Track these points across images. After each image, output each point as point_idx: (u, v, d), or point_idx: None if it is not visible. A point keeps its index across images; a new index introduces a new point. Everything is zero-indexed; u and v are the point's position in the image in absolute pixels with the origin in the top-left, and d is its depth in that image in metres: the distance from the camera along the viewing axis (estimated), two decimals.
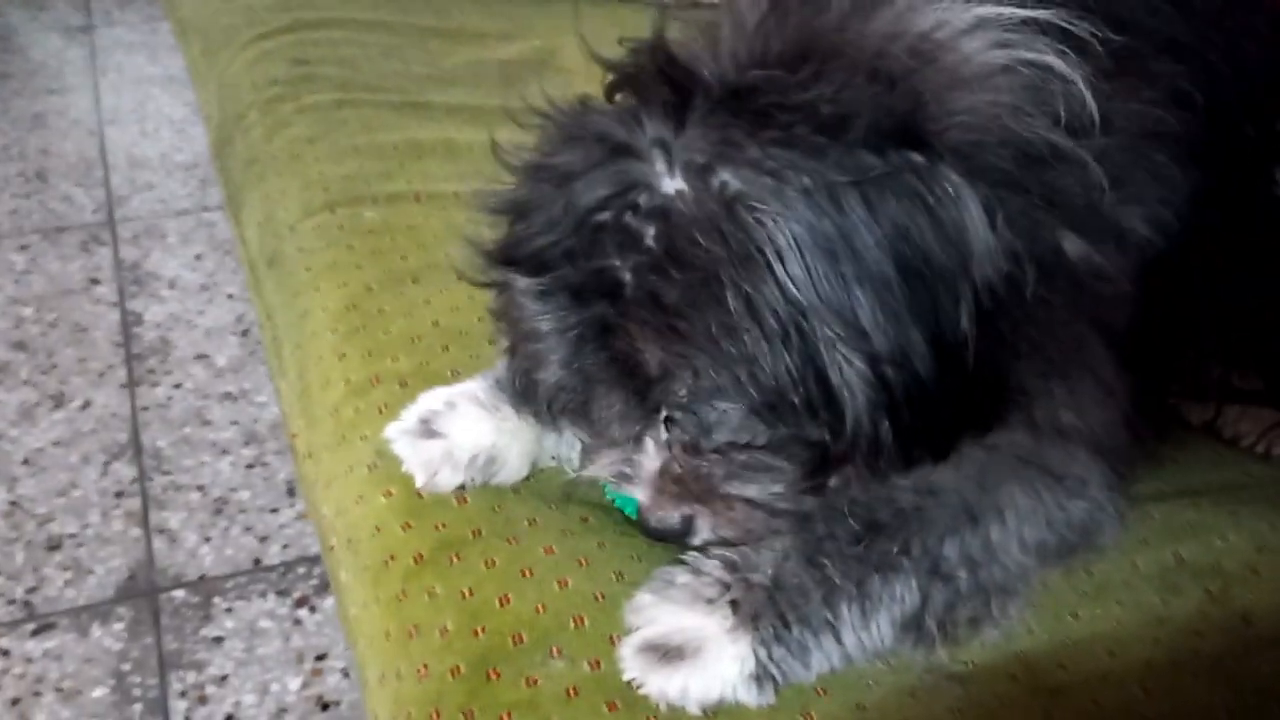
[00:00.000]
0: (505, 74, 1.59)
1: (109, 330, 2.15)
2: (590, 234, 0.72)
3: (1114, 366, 0.81)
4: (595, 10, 1.86)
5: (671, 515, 0.80)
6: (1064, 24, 0.75)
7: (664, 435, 0.78)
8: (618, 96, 0.79)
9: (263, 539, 1.74)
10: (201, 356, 2.10)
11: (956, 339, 0.70)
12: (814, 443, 0.75)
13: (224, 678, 1.53)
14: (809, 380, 0.70)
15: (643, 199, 0.71)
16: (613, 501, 0.89)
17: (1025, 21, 0.75)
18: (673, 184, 0.71)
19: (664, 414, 0.77)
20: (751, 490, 0.78)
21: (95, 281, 2.28)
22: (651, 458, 0.80)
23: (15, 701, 1.47)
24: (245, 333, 2.16)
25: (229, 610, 1.63)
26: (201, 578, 1.67)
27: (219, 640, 1.59)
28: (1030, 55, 0.74)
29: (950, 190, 0.68)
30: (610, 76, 0.79)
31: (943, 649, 0.79)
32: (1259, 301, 0.94)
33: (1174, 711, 0.79)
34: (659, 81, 0.74)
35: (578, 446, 0.92)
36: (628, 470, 0.81)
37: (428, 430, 0.90)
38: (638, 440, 0.80)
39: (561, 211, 0.73)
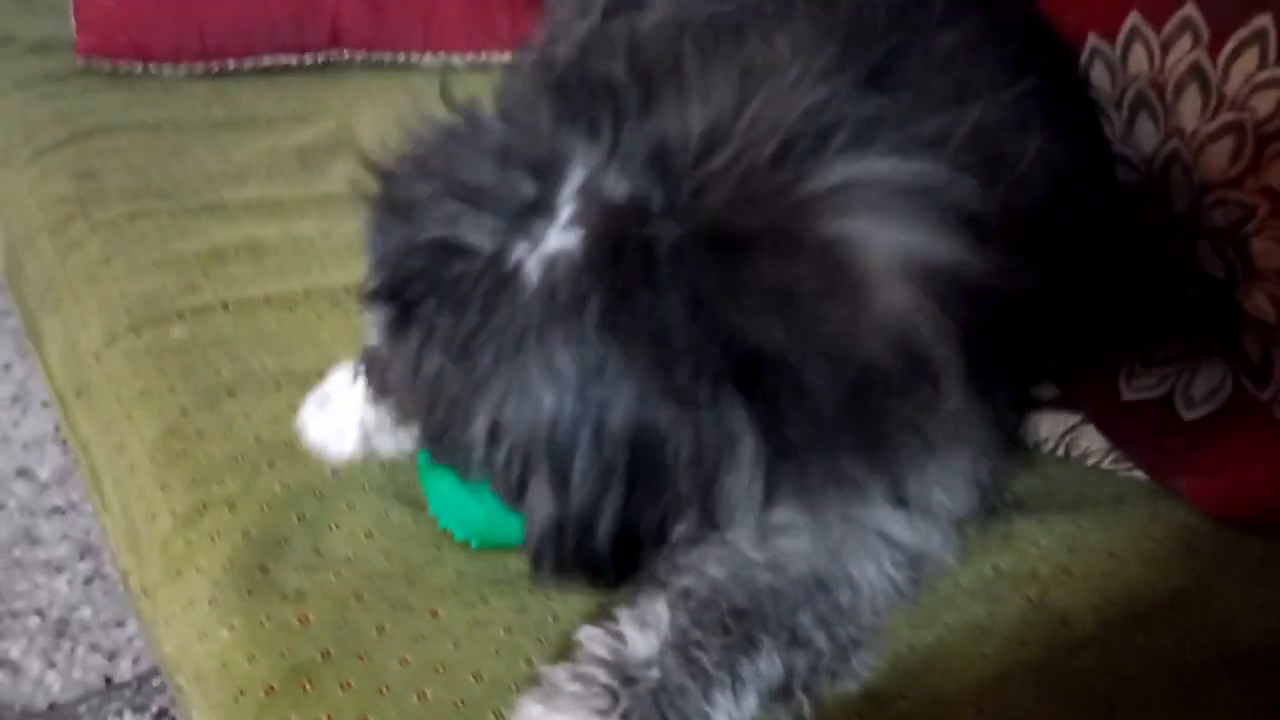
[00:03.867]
0: (302, 161, 1.57)
1: None
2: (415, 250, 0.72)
3: (984, 432, 0.85)
4: (387, 81, 1.87)
5: (372, 380, 0.91)
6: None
7: None
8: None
9: (112, 655, 1.68)
10: (23, 472, 2.01)
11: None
12: None
13: None
14: (511, 479, 0.73)
15: (485, 252, 0.70)
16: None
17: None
18: (528, 256, 0.69)
19: None
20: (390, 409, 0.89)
21: None
22: (375, 338, 0.85)
23: None
24: (66, 441, 2.07)
25: None
26: (51, 706, 1.61)
27: None
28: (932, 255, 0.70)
29: (728, 439, 0.69)
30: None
31: (809, 710, 0.82)
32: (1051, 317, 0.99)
33: None
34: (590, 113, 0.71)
35: None
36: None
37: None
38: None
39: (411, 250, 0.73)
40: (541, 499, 0.72)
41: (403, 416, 0.86)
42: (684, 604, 0.82)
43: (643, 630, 0.82)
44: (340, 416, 1.01)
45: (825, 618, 0.83)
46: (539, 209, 0.69)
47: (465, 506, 0.91)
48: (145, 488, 1.04)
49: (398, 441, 1.00)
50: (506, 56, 1.91)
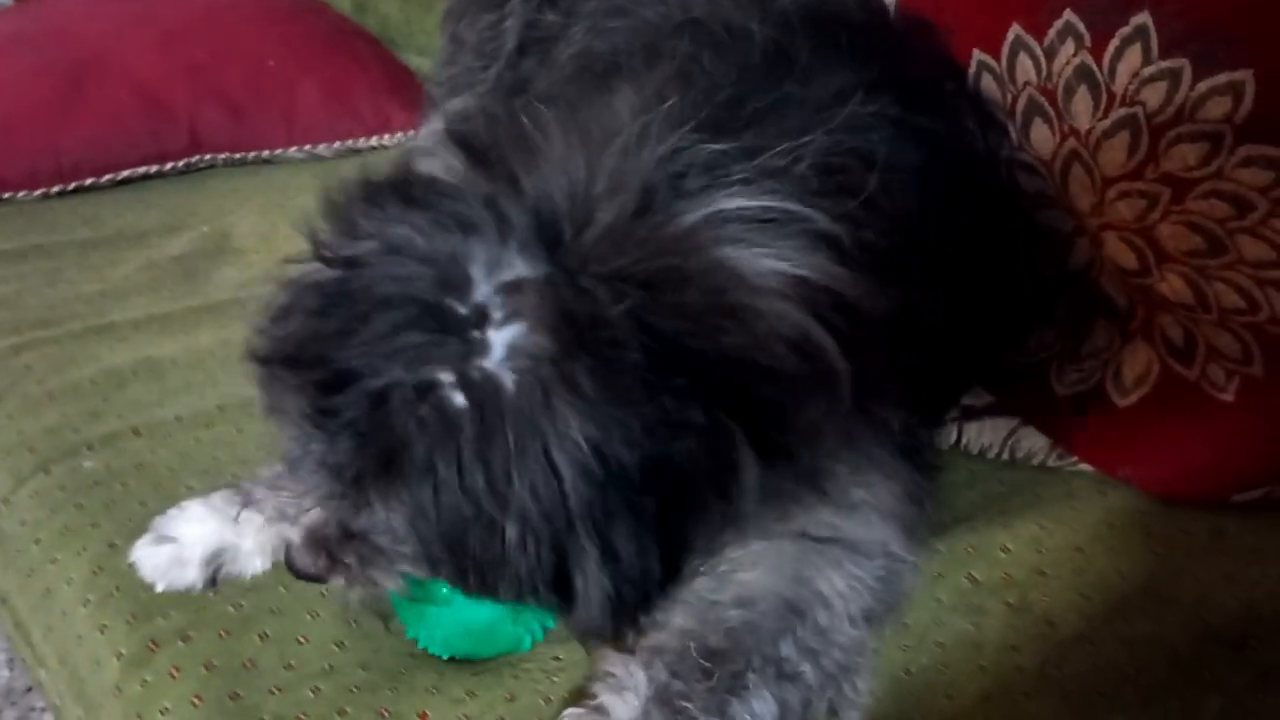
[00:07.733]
0: (183, 270, 1.52)
1: None
2: (380, 404, 0.68)
3: (890, 454, 0.89)
4: (253, 178, 1.83)
5: (311, 564, 0.82)
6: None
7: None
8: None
9: None
10: None
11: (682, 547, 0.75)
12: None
13: None
14: (547, 577, 0.72)
15: (450, 382, 0.68)
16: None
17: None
18: (491, 364, 0.68)
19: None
20: (378, 576, 0.81)
21: None
22: (314, 515, 0.81)
23: None
24: None
25: None
26: None
27: None
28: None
29: (736, 452, 0.72)
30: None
31: None
32: (978, 326, 1.01)
33: None
34: (497, 210, 0.72)
35: None
36: (292, 511, 0.83)
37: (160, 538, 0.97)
38: (311, 495, 0.79)
39: (363, 365, 0.69)
40: (593, 577, 0.71)
41: (400, 571, 0.80)
42: (659, 659, 0.81)
43: (621, 694, 0.81)
44: (180, 545, 0.97)
45: (808, 644, 0.83)
46: (470, 322, 0.69)
47: (455, 628, 0.87)
48: (83, 633, 0.98)
49: (265, 562, 0.98)
50: (372, 141, 1.90)
